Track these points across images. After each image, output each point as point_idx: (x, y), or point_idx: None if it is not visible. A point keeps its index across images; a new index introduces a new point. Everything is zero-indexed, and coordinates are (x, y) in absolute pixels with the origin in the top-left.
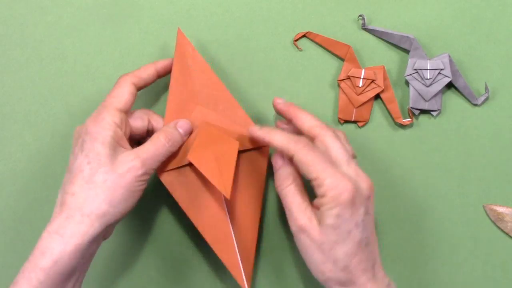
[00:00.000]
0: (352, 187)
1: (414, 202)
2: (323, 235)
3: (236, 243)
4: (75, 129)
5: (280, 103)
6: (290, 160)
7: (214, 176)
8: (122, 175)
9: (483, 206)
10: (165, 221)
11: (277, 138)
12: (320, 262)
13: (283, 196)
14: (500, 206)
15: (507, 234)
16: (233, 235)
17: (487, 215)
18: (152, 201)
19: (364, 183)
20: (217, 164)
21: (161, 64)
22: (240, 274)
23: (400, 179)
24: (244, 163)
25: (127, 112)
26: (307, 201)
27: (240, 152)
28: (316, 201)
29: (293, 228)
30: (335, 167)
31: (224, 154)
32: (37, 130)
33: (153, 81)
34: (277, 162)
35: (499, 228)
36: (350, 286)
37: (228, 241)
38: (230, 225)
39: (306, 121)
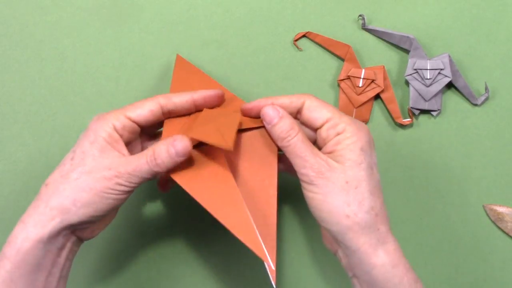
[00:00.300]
0: (367, 127)
1: (414, 202)
2: (347, 172)
3: (254, 221)
4: (74, 129)
5: (247, 105)
6: (293, 115)
7: (215, 139)
8: (96, 179)
9: (483, 206)
10: (165, 220)
11: (281, 96)
12: (345, 205)
13: (292, 147)
14: (500, 206)
15: (507, 234)
16: (248, 212)
17: (487, 215)
18: (152, 201)
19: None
20: (219, 131)
21: (201, 94)
22: (262, 249)
23: (400, 179)
24: (254, 142)
25: (141, 125)
26: (316, 148)
27: (248, 130)
28: (330, 144)
29: (310, 175)
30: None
31: (226, 123)
32: (37, 130)
33: (188, 110)
34: (272, 116)
35: (499, 228)
36: (374, 232)
37: (244, 219)
38: (244, 202)
39: (286, 98)
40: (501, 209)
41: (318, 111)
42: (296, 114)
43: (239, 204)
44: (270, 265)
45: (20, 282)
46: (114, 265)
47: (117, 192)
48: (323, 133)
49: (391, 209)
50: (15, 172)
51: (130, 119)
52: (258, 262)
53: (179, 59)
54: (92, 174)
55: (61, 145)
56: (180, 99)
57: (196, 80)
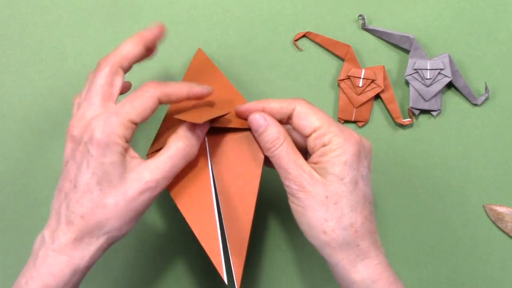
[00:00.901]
0: (358, 137)
1: (414, 202)
2: (328, 187)
3: (228, 227)
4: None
5: (239, 108)
6: (282, 119)
7: (192, 117)
8: (134, 198)
9: (483, 206)
10: (164, 220)
11: (273, 101)
12: (323, 221)
13: (277, 158)
14: (500, 206)
15: (507, 234)
16: (216, 220)
17: (487, 215)
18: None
19: (363, 138)
20: (200, 113)
21: (197, 90)
22: (220, 263)
23: (400, 179)
24: (241, 146)
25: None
26: (302, 158)
27: (237, 132)
28: (315, 154)
29: (292, 187)
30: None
31: (211, 111)
32: (37, 130)
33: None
34: (260, 123)
35: (499, 228)
36: (352, 249)
37: (211, 226)
38: (216, 211)
39: (276, 103)
40: (501, 209)
41: (307, 119)
42: (288, 119)
43: (209, 209)
44: (224, 277)
45: None
46: (114, 265)
47: (154, 196)
48: (310, 142)
49: (391, 209)
50: (15, 172)
51: (134, 122)
52: (258, 262)
53: (199, 53)
54: (127, 194)
55: (61, 145)
56: (177, 95)
57: (209, 77)
